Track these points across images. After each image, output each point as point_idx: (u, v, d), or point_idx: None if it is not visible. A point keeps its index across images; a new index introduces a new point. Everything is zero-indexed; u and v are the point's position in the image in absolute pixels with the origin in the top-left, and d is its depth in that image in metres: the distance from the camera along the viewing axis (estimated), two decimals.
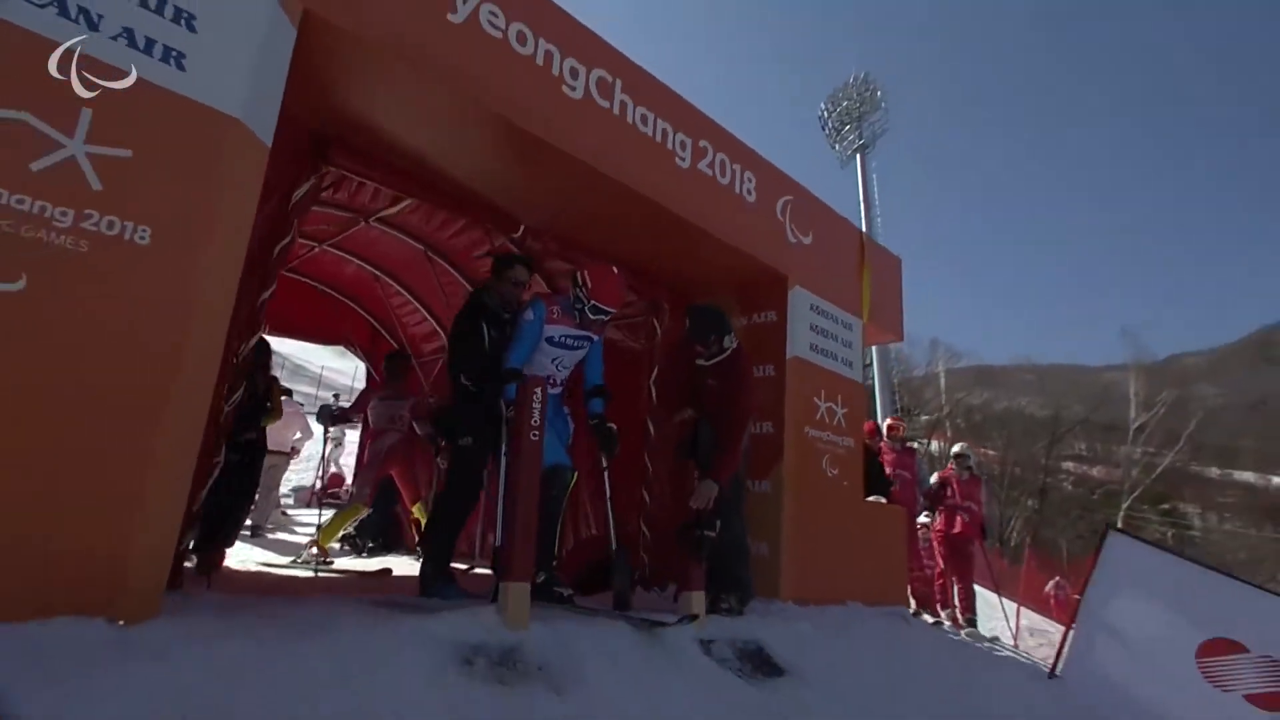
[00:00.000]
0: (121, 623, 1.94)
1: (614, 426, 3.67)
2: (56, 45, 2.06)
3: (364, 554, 6.76)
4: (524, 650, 2.44)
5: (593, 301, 3.48)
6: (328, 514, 5.97)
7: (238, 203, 2.44)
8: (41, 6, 2.06)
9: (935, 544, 7.55)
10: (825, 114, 37.91)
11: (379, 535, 7.01)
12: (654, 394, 5.22)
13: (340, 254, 6.86)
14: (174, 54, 2.29)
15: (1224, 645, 4.52)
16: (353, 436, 11.16)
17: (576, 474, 3.59)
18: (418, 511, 6.69)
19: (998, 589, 9.33)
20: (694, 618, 3.09)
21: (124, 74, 2.16)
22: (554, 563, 3.44)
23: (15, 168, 1.97)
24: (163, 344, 2.16)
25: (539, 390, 2.88)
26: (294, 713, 1.75)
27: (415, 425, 6.38)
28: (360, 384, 12.70)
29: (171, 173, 2.24)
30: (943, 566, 7.36)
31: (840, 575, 4.81)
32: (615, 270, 3.72)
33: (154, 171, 2.20)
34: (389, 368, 6.56)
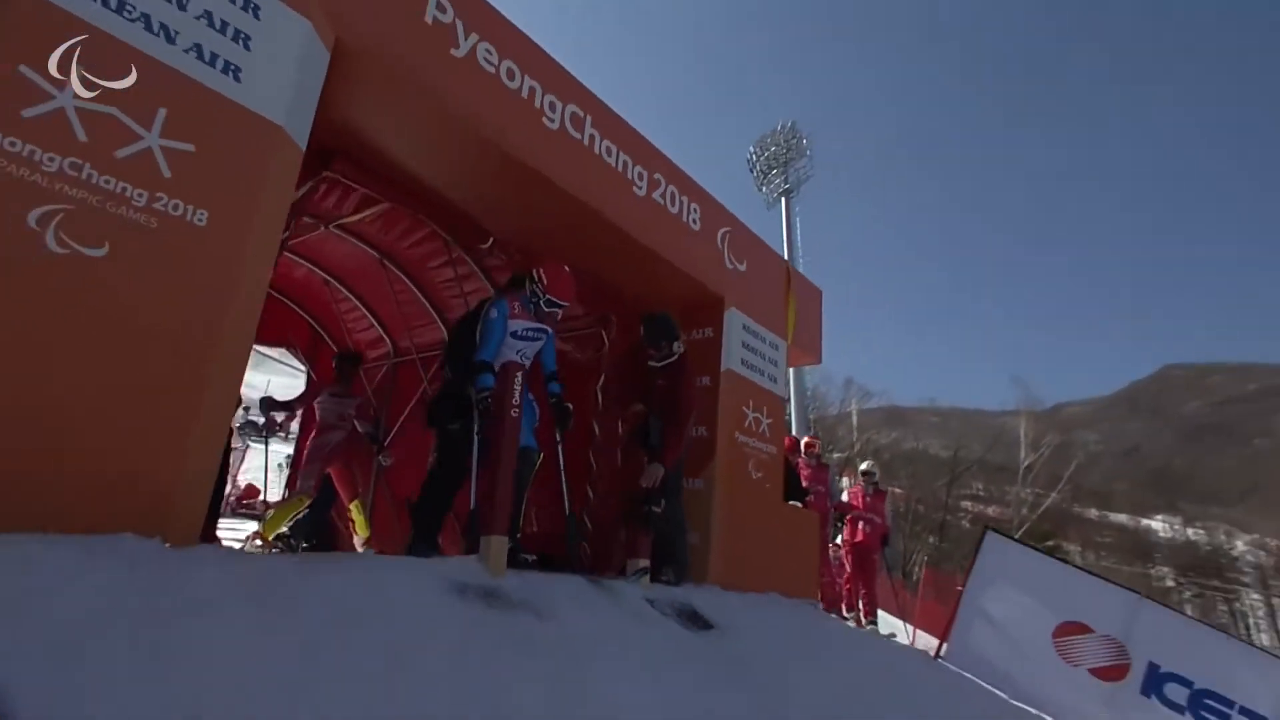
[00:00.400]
0: (168, 544, 2.28)
1: (570, 405, 4.14)
2: (143, 54, 2.45)
3: (298, 554, 6.89)
4: (504, 590, 2.87)
5: (547, 296, 3.97)
6: (251, 524, 6.13)
7: (277, 197, 2.85)
8: (132, 21, 2.44)
9: (844, 553, 8.31)
10: (753, 157, 39.79)
11: (313, 536, 7.15)
12: (600, 399, 5.73)
13: (293, 257, 7.07)
14: (233, 67, 2.70)
15: (1074, 627, 5.35)
16: (256, 448, 10.95)
17: (542, 455, 4.04)
18: (355, 510, 6.91)
19: (901, 614, 10.25)
20: (643, 572, 3.58)
21: (125, 74, 2.47)
22: (518, 535, 3.86)
23: (104, 154, 2.33)
24: (212, 308, 2.54)
25: (519, 375, 3.35)
26: (332, 608, 2.15)
27: (357, 424, 6.63)
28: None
29: (226, 167, 2.63)
30: (850, 573, 8.10)
31: (761, 567, 5.38)
32: (566, 268, 4.20)
33: (212, 165, 2.59)
34: (340, 366, 6.78)
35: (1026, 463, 44.60)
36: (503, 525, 3.09)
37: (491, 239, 4.93)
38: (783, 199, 37.60)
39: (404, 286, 7.36)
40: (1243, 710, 4.86)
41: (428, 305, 7.52)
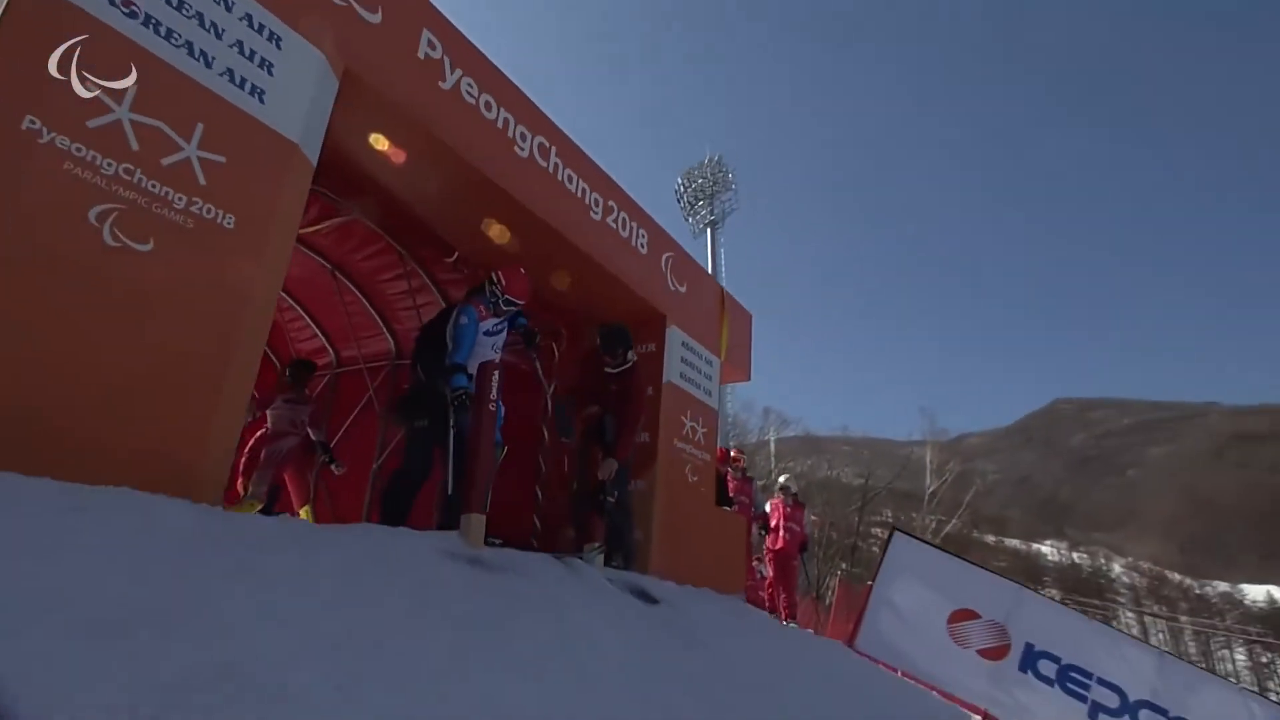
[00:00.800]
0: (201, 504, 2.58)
1: (535, 330, 4.56)
2: (186, 75, 2.79)
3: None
4: (485, 559, 3.26)
5: (505, 296, 4.38)
6: None
7: (291, 206, 3.19)
8: (177, 47, 2.78)
9: (767, 559, 8.93)
10: (681, 188, 41.10)
11: None
12: (549, 406, 6.14)
13: None
14: (259, 90, 3.06)
15: (965, 614, 6.08)
16: None
17: (505, 449, 4.43)
18: (305, 514, 7.02)
19: (816, 630, 10.99)
20: (599, 550, 4.01)
21: (126, 74, 2.78)
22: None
23: (152, 161, 2.65)
24: (236, 300, 2.88)
25: (494, 373, 3.76)
26: (357, 558, 2.50)
27: (311, 431, 6.78)
28: None
29: (250, 177, 2.98)
30: (772, 577, 8.72)
31: (696, 563, 5.88)
32: (522, 270, 4.61)
33: (239, 175, 2.93)
34: (294, 373, 6.91)
35: (931, 489, 47.13)
36: (481, 504, 3.47)
37: (456, 254, 5.32)
38: (708, 230, 38.92)
39: (354, 297, 7.57)
40: (1100, 680, 5.68)
41: (376, 317, 7.75)
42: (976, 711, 5.75)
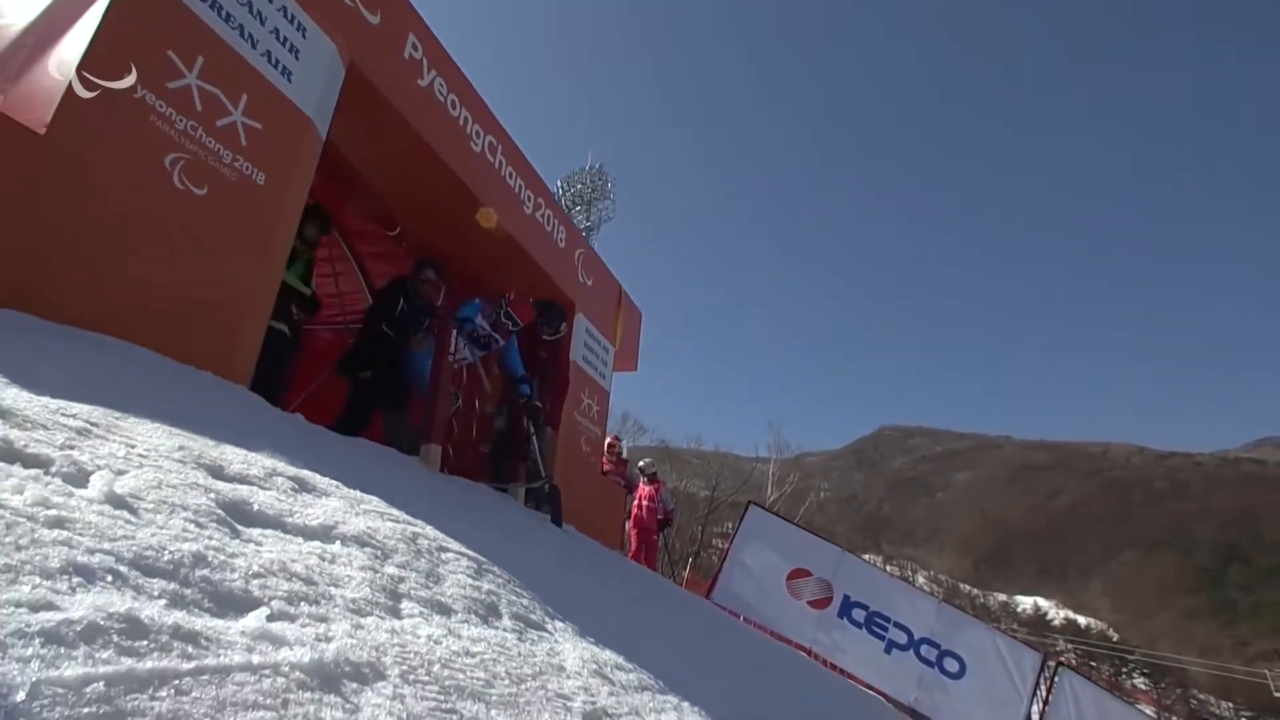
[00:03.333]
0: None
1: (540, 404, 5.23)
2: (238, 53, 3.34)
3: None
4: (440, 479, 3.99)
5: (508, 310, 5.08)
6: None
7: (305, 170, 3.78)
8: (233, 28, 3.33)
9: (631, 532, 9.97)
10: (560, 193, 41.78)
11: None
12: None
13: None
14: (288, 71, 3.64)
15: (800, 573, 7.41)
16: None
17: (460, 401, 5.11)
18: None
19: None
20: (520, 487, 4.83)
21: (126, 73, 3.34)
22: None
23: (210, 122, 3.20)
24: (264, 234, 3.48)
25: (454, 330, 4.49)
26: (350, 453, 3.18)
27: None
28: None
29: (278, 143, 3.56)
30: (634, 548, 9.76)
31: (584, 522, 6.76)
32: (531, 300, 5.33)
33: (270, 140, 3.51)
34: None
35: (771, 500, 50.56)
36: (439, 437, 4.19)
37: (399, 228, 5.90)
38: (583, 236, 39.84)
39: None
40: (896, 624, 7.17)
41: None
42: (802, 649, 7.06)
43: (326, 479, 1.78)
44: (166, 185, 2.99)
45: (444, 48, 5.00)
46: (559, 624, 1.72)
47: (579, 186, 41.88)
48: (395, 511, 1.80)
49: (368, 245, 7.02)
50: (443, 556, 1.65)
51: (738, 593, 7.39)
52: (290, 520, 1.33)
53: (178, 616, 0.82)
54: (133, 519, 0.99)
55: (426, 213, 5.62)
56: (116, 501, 1.01)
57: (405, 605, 1.26)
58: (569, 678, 1.36)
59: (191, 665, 0.75)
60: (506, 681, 1.15)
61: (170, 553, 0.95)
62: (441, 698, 0.98)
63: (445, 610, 1.34)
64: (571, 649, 1.55)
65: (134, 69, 2.87)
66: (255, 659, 0.81)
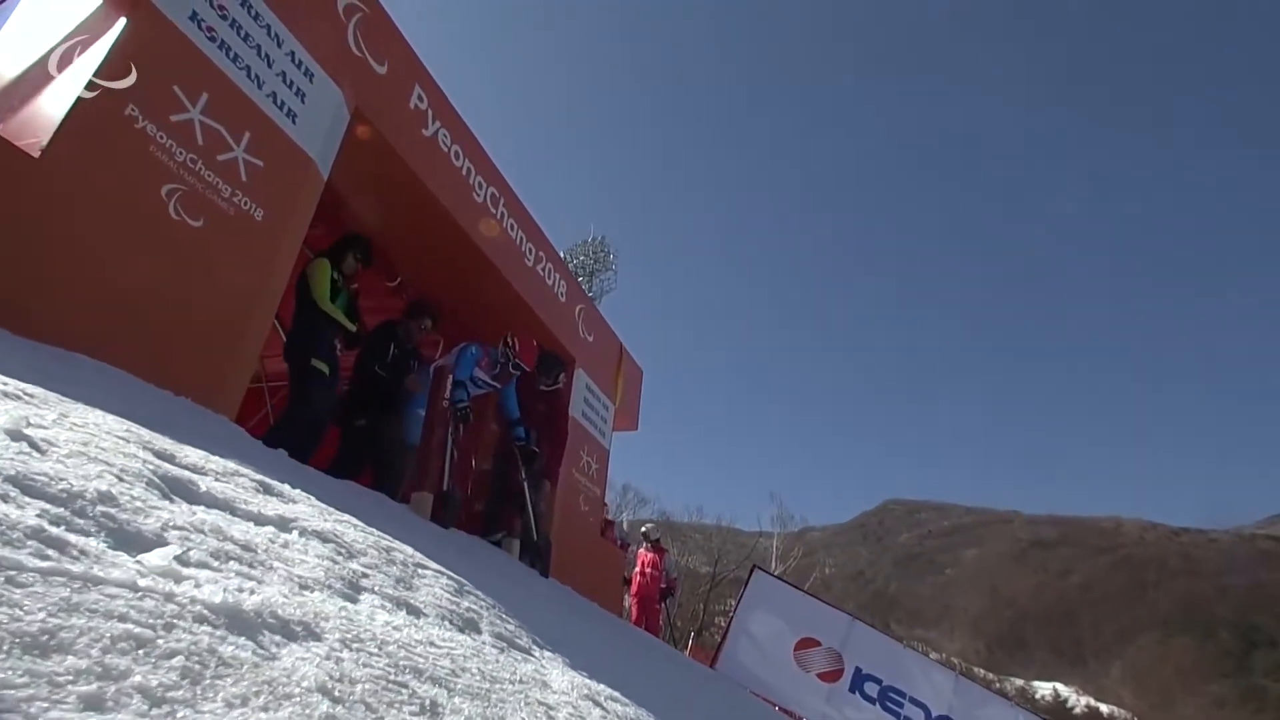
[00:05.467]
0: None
1: (536, 450, 5.09)
2: (243, 92, 3.37)
3: None
4: (429, 525, 3.80)
5: (515, 360, 4.99)
6: None
7: (304, 210, 3.77)
8: (240, 69, 3.38)
9: (632, 602, 9.58)
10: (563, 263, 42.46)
11: None
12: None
13: None
14: (293, 113, 3.67)
15: (809, 642, 7.04)
16: None
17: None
18: None
19: None
20: (514, 539, 4.62)
21: (126, 74, 3.35)
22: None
23: (210, 156, 3.20)
24: (259, 277, 3.40)
25: (448, 379, 4.38)
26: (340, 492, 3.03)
27: None
28: None
29: (278, 181, 3.56)
30: (634, 618, 9.35)
31: (584, 581, 6.48)
32: (535, 342, 5.25)
33: (271, 178, 3.51)
34: None
35: (777, 573, 49.22)
36: (431, 484, 4.03)
37: (399, 279, 5.88)
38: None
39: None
40: (912, 700, 6.75)
41: (285, 335, 7.95)
42: None
43: (298, 490, 1.63)
44: (161, 215, 2.96)
45: (449, 100, 5.09)
46: (548, 653, 1.54)
47: (582, 258, 42.56)
48: (370, 527, 1.64)
49: (367, 299, 7.00)
50: (419, 571, 1.48)
51: (743, 663, 6.99)
52: (242, 507, 1.17)
53: (52, 531, 0.68)
54: (31, 452, 0.85)
55: (427, 263, 5.61)
56: (20, 437, 0.88)
57: (365, 598, 1.10)
58: (554, 693, 1.18)
59: (45, 565, 0.61)
60: (479, 677, 0.99)
61: (69, 483, 0.81)
62: (390, 671, 0.82)
63: (414, 611, 1.17)
64: (560, 674, 1.37)
65: (134, 100, 2.88)
66: (144, 582, 0.67)
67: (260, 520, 1.17)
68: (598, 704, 1.30)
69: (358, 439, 4.71)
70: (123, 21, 2.90)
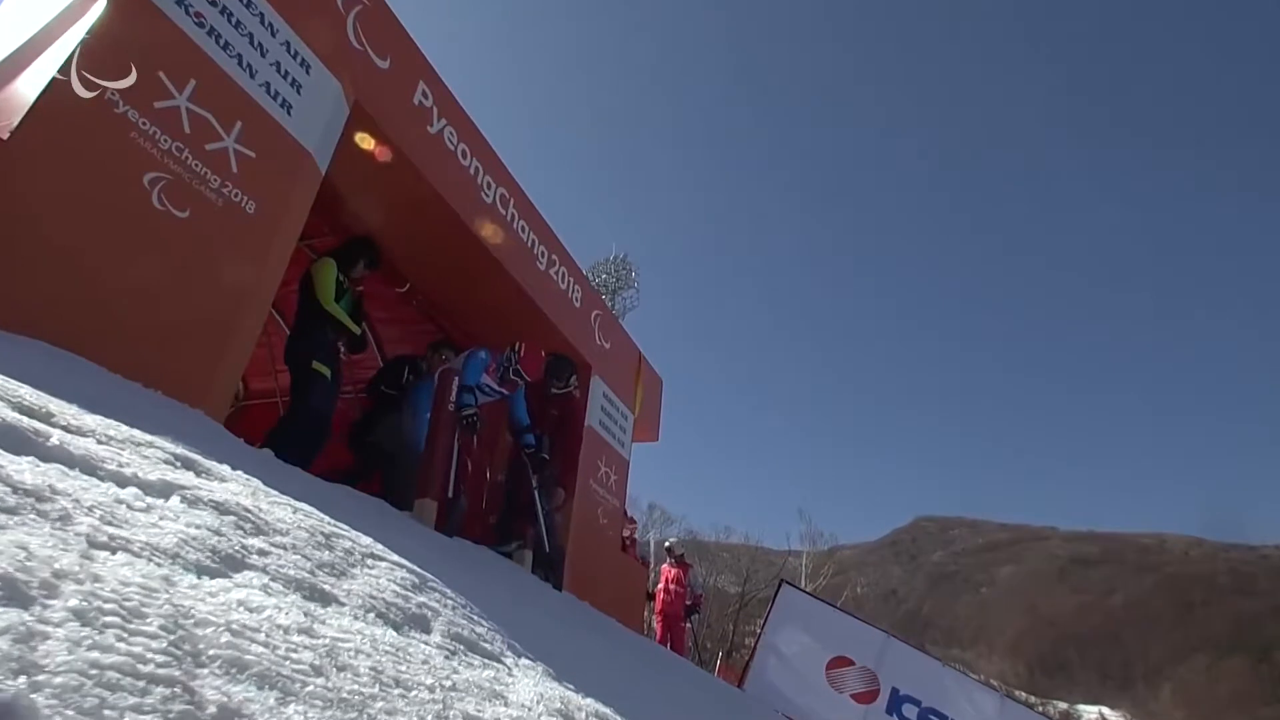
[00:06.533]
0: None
1: (546, 456, 4.88)
2: (233, 81, 3.24)
3: None
4: (439, 537, 3.59)
5: (517, 366, 4.80)
6: None
7: (301, 205, 3.62)
8: (231, 57, 3.25)
9: (656, 620, 9.27)
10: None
11: None
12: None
13: None
14: (288, 104, 3.54)
15: (842, 661, 6.68)
16: None
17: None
18: None
19: None
20: (524, 549, 4.39)
21: (126, 74, 3.22)
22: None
23: (198, 145, 3.06)
24: (249, 274, 3.24)
25: (454, 380, 4.19)
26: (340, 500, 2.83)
27: None
28: None
29: (272, 173, 3.41)
30: (659, 636, 9.03)
31: (603, 597, 6.22)
32: (543, 352, 5.05)
33: (264, 170, 3.36)
34: None
35: (808, 591, 48.22)
36: (436, 492, 3.82)
37: (409, 284, 5.74)
38: None
39: (277, 328, 7.66)
40: None
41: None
42: None
43: (239, 472, 1.42)
44: (144, 202, 2.82)
45: (455, 98, 4.96)
46: (525, 661, 1.30)
47: (604, 276, 42.58)
48: (326, 516, 1.42)
49: (380, 309, 6.87)
50: (367, 562, 1.25)
51: (772, 682, 6.66)
52: (107, 467, 0.95)
53: None
54: None
55: (434, 266, 5.46)
56: None
57: (245, 575, 0.87)
58: (507, 705, 0.94)
59: None
60: (367, 678, 0.74)
61: None
62: (184, 653, 0.58)
63: (325, 599, 0.94)
64: (532, 685, 1.13)
65: (133, 69, 2.76)
66: None
67: (125, 482, 0.96)
68: (568, 718, 1.06)
69: (370, 452, 4.59)
70: (103, 4, 2.77)
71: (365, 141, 4.44)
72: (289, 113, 3.55)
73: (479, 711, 0.87)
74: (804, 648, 6.80)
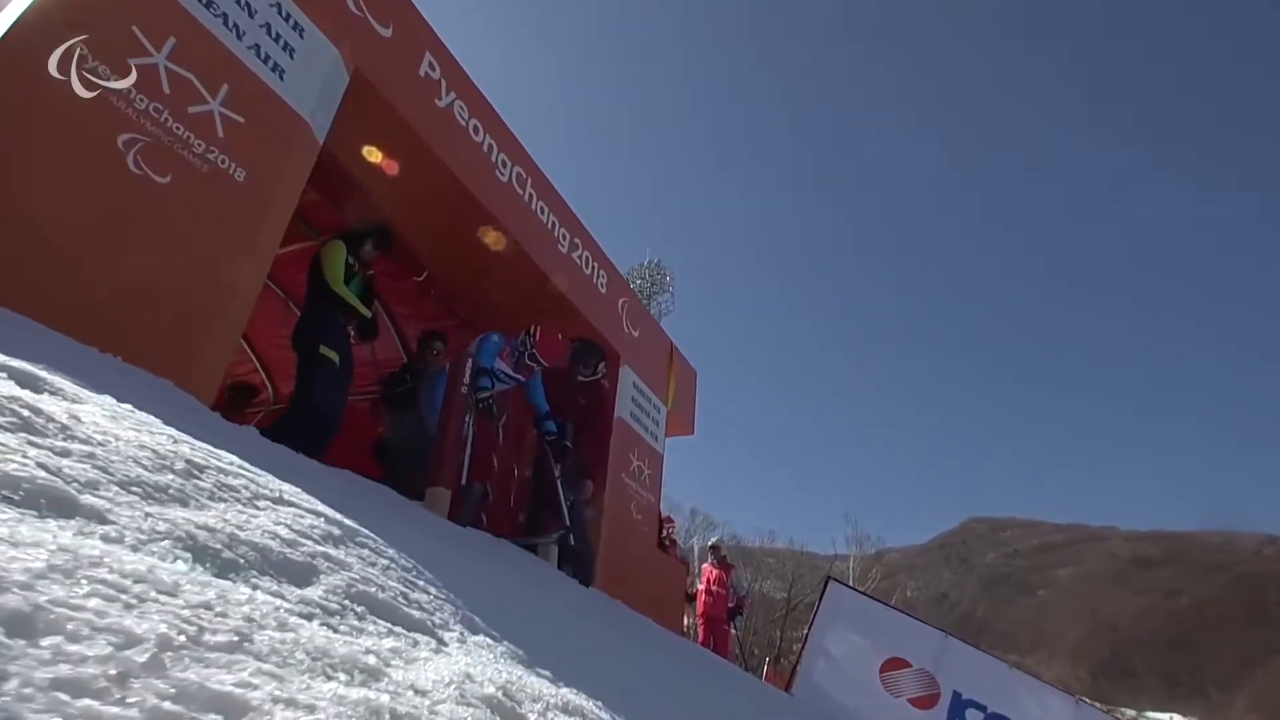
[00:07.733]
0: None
1: (567, 444, 4.62)
2: (218, 40, 3.03)
3: None
4: (452, 528, 3.32)
5: (533, 351, 4.52)
6: None
7: (296, 175, 3.41)
8: (215, 15, 3.05)
9: (698, 622, 8.89)
10: None
11: None
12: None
13: None
14: (280, 68, 3.33)
15: (897, 663, 6.22)
16: None
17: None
18: None
19: None
20: (550, 542, 4.10)
21: (126, 74, 3.01)
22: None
23: (179, 107, 2.86)
24: (243, 235, 3.04)
25: (466, 363, 3.93)
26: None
27: None
28: None
29: (264, 140, 3.20)
30: (701, 640, 8.65)
31: (636, 599, 5.89)
32: (560, 336, 4.77)
33: (254, 136, 3.15)
34: (234, 396, 6.79)
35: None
36: (449, 481, 3.55)
37: (426, 272, 5.52)
38: None
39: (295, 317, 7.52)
40: None
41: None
42: None
43: (128, 406, 1.15)
44: (118, 165, 2.61)
45: (466, 71, 4.72)
46: (478, 639, 1.00)
47: (639, 281, 42.39)
48: (315, 502, 1.13)
49: (401, 303, 6.66)
50: (258, 502, 0.97)
51: (822, 685, 6.22)
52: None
53: None
54: None
55: (449, 248, 5.23)
56: None
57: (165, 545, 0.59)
58: (378, 684, 0.64)
59: None
60: (227, 638, 0.47)
61: None
62: None
63: (235, 570, 0.67)
64: (455, 665, 0.81)
65: (85, 40, 2.55)
66: None
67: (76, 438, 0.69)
68: (494, 706, 0.76)
69: (394, 460, 4.41)
70: None
71: (373, 155, 4.28)
72: (281, 77, 3.33)
73: (308, 684, 0.56)
74: (855, 648, 6.36)
